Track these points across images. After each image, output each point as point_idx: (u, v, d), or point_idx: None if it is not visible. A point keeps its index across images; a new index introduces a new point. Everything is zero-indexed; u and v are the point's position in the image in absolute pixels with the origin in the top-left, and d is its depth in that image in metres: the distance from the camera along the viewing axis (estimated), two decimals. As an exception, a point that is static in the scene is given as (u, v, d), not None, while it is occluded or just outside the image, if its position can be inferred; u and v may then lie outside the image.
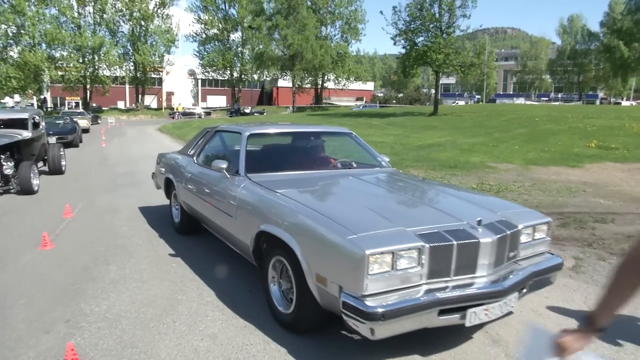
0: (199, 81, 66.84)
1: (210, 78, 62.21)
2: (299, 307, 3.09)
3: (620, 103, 50.79)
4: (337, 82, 58.46)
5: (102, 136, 23.43)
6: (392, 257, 2.56)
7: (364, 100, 72.44)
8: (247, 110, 50.86)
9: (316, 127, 5.97)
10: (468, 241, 2.76)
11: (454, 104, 49.68)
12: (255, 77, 58.64)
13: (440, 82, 32.03)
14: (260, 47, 51.50)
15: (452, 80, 75.59)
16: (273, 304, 3.40)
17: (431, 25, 26.91)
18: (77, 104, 50.75)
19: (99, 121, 36.59)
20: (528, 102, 56.09)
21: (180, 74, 62.77)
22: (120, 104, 61.06)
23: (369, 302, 2.46)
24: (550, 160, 11.36)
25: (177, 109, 53.24)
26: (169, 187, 6.02)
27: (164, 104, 60.95)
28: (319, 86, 60.19)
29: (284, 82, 60.60)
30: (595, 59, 60.55)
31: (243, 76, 59.67)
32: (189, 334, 3.22)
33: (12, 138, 8.80)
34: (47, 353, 2.95)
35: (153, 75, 57.54)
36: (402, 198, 3.73)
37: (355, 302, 2.49)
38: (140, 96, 56.67)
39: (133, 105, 58.58)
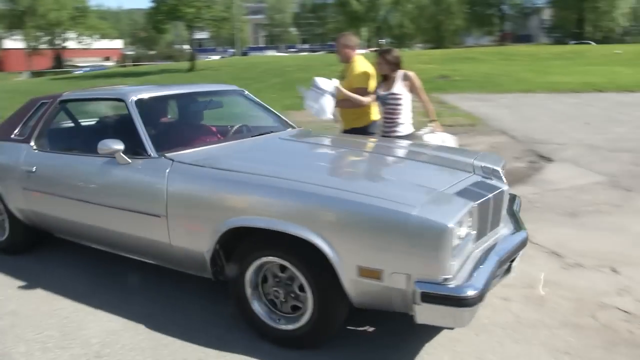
0: None
1: None
2: (320, 318, 2.43)
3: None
4: (79, 41, 53.14)
5: None
6: (459, 226, 2.20)
7: (110, 60, 67.52)
8: None
9: (202, 86, 4.58)
10: (497, 192, 2.61)
11: (208, 59, 49.67)
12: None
13: (191, 37, 31.79)
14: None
15: (205, 35, 75.09)
16: (263, 323, 2.63)
17: (179, -22, 26.33)
18: None
19: None
20: (278, 54, 59.26)
21: None
22: None
23: (454, 285, 2.11)
24: (306, 106, 12.61)
25: None
26: None
27: None
28: (59, 46, 53.94)
29: (14, 43, 52.59)
30: (333, 13, 66.42)
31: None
32: (-16, 315, 3.06)
33: None
34: None
35: None
36: (377, 158, 3.22)
37: (443, 289, 2.09)
38: None
39: None
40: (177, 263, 2.98)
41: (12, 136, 3.88)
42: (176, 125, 3.98)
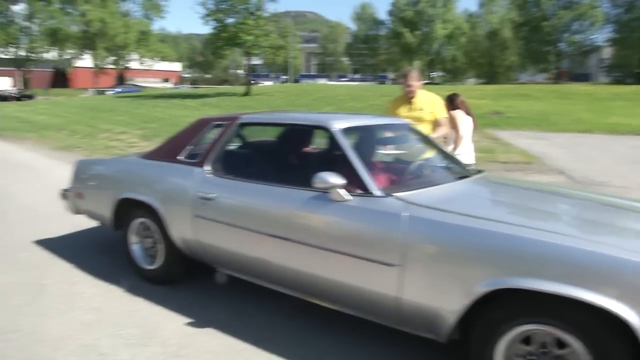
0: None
1: (-10, 56, 54.01)
2: None
3: (406, 83, 57.25)
4: (141, 62, 55.72)
5: None
6: None
7: (171, 81, 70.31)
8: (11, 94, 39.52)
9: (380, 118, 3.94)
10: None
11: (261, 84, 50.90)
12: (48, 55, 52.79)
13: (248, 63, 32.85)
14: (53, 21, 46.64)
15: (258, 61, 77.37)
16: None
17: (241, 7, 27.38)
18: None
19: None
20: (330, 83, 60.20)
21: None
22: None
23: None
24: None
25: None
26: (127, 214, 3.85)
27: None
28: (123, 66, 56.66)
29: (82, 62, 55.55)
30: (385, 44, 67.22)
31: (31, 54, 53.15)
32: (71, 310, 3.31)
33: None
34: None
35: None
36: (615, 211, 2.77)
37: None
38: None
39: None
40: (395, 318, 2.55)
41: (179, 158, 3.60)
42: (373, 160, 3.39)
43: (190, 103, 24.39)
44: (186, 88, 50.41)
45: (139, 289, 3.64)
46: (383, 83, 60.10)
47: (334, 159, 2.98)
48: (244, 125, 3.57)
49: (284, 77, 76.04)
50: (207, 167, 3.39)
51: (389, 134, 3.80)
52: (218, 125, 3.62)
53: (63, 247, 4.58)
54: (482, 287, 2.18)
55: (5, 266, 4.14)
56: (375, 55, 71.07)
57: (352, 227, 2.62)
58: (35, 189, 7.09)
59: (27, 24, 52.00)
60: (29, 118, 19.02)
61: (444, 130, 4.57)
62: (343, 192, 2.63)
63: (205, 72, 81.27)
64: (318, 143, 4.20)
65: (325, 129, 3.06)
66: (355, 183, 2.70)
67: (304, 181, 2.79)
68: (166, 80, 69.59)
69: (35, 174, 8.42)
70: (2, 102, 34.26)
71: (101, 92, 44.57)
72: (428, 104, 4.55)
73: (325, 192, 2.68)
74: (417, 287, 2.39)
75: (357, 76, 78.57)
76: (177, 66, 76.19)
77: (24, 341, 2.93)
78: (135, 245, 3.88)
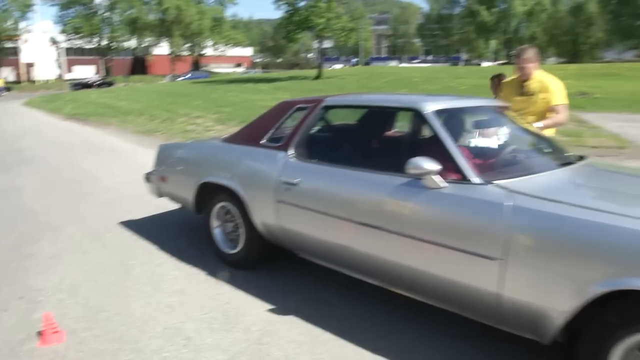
0: (65, 50, 61.40)
1: (76, 46, 57.34)
2: None
3: (479, 64, 55.17)
4: (215, 48, 57.22)
5: (-39, 113, 21.02)
6: None
7: (244, 66, 71.64)
8: (92, 82, 41.64)
9: (474, 99, 3.66)
10: None
11: (330, 68, 50.72)
12: (128, 44, 55.33)
13: (319, 46, 32.80)
14: (132, 11, 48.82)
15: (328, 44, 77.19)
16: None
17: (311, -10, 27.37)
18: None
19: None
20: (401, 65, 59.04)
21: (40, 43, 57.12)
22: (-30, 78, 54.43)
23: None
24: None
25: None
26: (209, 198, 3.81)
27: (29, 77, 55.40)
28: (197, 53, 58.42)
29: (159, 50, 57.84)
30: (459, 23, 64.99)
31: (113, 43, 55.89)
32: (156, 292, 3.35)
33: None
34: (16, 329, 2.92)
35: (8, 45, 51.95)
36: None
37: None
38: (-6, 68, 51.03)
39: (-13, 78, 52.67)
40: (493, 315, 2.35)
41: (263, 142, 3.51)
42: (467, 145, 3.04)
43: (263, 87, 24.68)
44: (256, 72, 51.33)
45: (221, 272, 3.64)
46: (456, 64, 58.24)
47: (424, 143, 2.81)
48: (328, 108, 3.42)
49: (355, 60, 75.49)
50: (291, 152, 3.29)
51: (482, 117, 3.43)
52: (301, 109, 3.50)
53: (146, 228, 4.67)
54: (597, 287, 1.93)
55: (92, 246, 4.27)
56: (449, 35, 68.92)
57: (448, 217, 2.43)
58: (118, 171, 7.35)
59: (108, 14, 54.72)
60: (111, 104, 19.93)
61: (558, 118, 3.95)
62: (438, 179, 2.44)
63: (276, 57, 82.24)
64: (399, 126, 4.03)
65: (416, 111, 2.84)
66: (450, 169, 2.50)
67: (393, 166, 2.64)
68: (238, 65, 71.03)
69: (119, 157, 8.76)
70: (86, 90, 36.27)
71: (175, 79, 46.19)
72: (542, 88, 3.99)
73: (418, 178, 2.49)
74: (520, 284, 2.17)
75: (429, 58, 76.68)
76: (248, 51, 77.55)
77: (112, 322, 2.98)
78: (217, 229, 3.86)
